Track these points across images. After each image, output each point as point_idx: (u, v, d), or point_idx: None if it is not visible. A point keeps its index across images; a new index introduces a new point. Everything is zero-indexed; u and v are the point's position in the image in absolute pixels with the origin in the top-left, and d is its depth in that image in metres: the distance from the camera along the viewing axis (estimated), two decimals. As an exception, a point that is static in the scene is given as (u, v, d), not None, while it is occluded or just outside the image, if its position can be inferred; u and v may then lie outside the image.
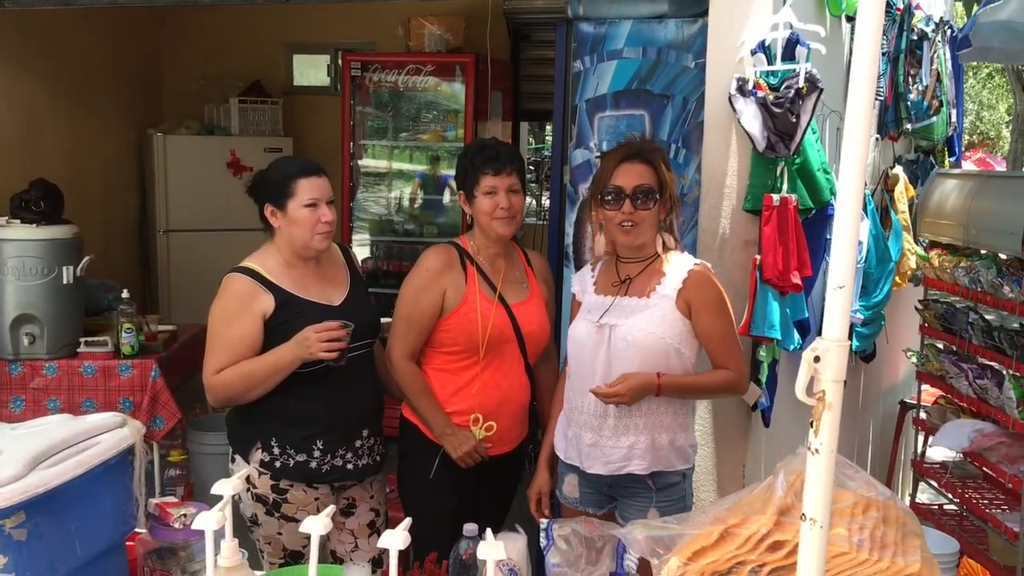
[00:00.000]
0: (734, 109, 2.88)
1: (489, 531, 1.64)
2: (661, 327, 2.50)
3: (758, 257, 2.89)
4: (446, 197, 5.92)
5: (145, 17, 5.88)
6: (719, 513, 1.50)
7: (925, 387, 4.43)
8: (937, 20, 4.41)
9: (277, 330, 2.60)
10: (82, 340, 4.05)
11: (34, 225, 3.91)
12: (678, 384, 2.50)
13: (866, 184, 3.86)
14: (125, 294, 4.07)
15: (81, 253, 4.04)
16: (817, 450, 1.21)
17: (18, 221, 3.92)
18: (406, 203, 5.97)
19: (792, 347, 3.02)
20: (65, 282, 3.96)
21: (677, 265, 2.58)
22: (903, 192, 4.09)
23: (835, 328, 1.17)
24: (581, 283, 2.73)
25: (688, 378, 2.54)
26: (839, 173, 1.17)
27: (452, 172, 5.86)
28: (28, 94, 4.65)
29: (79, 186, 4.81)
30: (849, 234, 1.15)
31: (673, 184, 2.61)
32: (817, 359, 1.18)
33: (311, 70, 6.69)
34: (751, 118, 2.84)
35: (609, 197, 2.53)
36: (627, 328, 2.51)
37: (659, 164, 2.56)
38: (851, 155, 1.16)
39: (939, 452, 4.45)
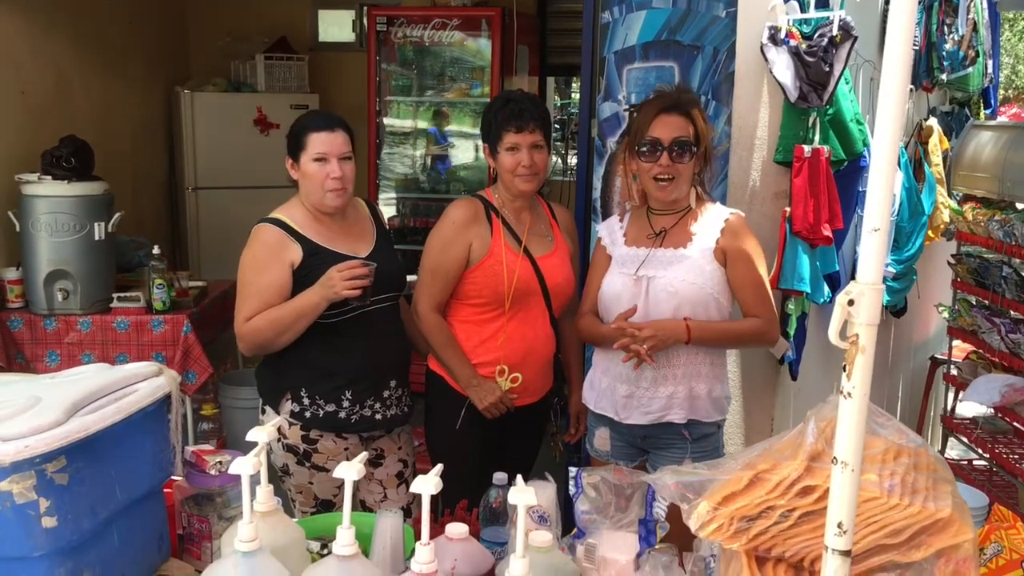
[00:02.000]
0: (766, 59, 2.84)
1: (519, 477, 1.66)
2: (701, 277, 2.51)
3: (788, 209, 2.87)
4: (462, 156, 5.89)
5: (171, -26, 5.88)
6: (750, 459, 1.50)
7: (956, 342, 4.40)
8: (975, -33, 4.31)
9: (304, 280, 2.61)
10: (115, 296, 4.11)
11: (65, 182, 3.95)
12: (708, 329, 2.50)
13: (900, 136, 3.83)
14: (156, 250, 4.11)
15: (112, 209, 4.08)
16: (850, 394, 1.21)
17: (49, 178, 3.96)
18: (429, 161, 5.95)
19: (822, 300, 3.00)
20: (97, 238, 4.00)
21: (713, 215, 2.57)
22: (937, 144, 4.03)
23: (870, 271, 1.16)
24: (610, 234, 2.72)
25: (718, 324, 2.53)
26: (874, 119, 1.15)
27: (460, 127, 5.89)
28: (56, 52, 4.66)
29: (108, 144, 4.83)
30: (886, 176, 1.13)
31: (709, 136, 2.59)
32: (851, 303, 1.17)
33: (336, 26, 6.65)
34: (783, 68, 2.81)
35: (645, 149, 2.52)
36: (668, 279, 2.51)
37: (697, 116, 2.54)
38: (889, 97, 1.14)
39: (969, 408, 4.43)
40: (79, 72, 4.87)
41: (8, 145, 4.20)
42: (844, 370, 1.21)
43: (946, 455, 4.63)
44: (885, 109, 1.14)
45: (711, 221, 2.56)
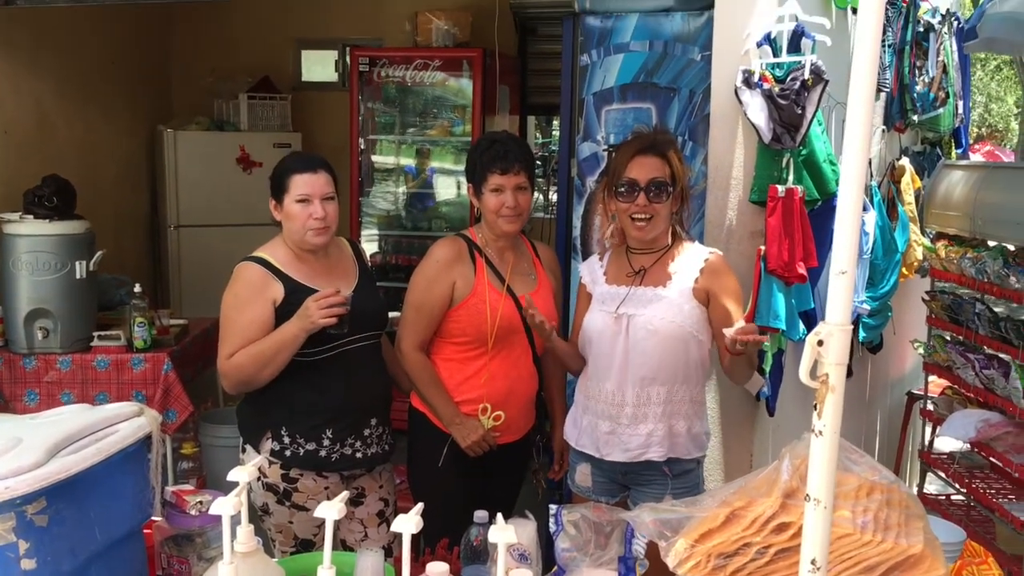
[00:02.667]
0: (740, 101, 2.90)
1: (500, 516, 1.67)
2: (680, 316, 2.54)
3: (762, 248, 2.92)
4: (444, 193, 5.94)
5: (155, 14, 5.93)
6: (726, 496, 1.53)
7: (932, 378, 4.45)
8: (944, 12, 4.42)
9: (286, 318, 2.63)
10: (95, 334, 4.10)
11: (47, 221, 3.95)
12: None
13: (872, 175, 3.90)
14: (137, 288, 4.11)
15: (93, 248, 4.08)
16: (821, 432, 1.23)
17: (31, 217, 3.96)
18: (408, 198, 5.99)
19: (797, 337, 3.04)
20: (78, 277, 4.00)
21: (692, 254, 2.62)
22: (909, 183, 4.10)
23: (838, 312, 1.20)
24: (591, 273, 2.76)
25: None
26: (842, 162, 1.19)
27: (441, 165, 5.94)
28: (39, 91, 4.69)
29: (91, 182, 4.85)
30: (852, 220, 1.18)
31: (685, 176, 2.63)
32: (820, 343, 1.20)
33: (319, 66, 6.72)
34: (757, 110, 2.87)
35: (623, 189, 2.56)
36: (647, 318, 2.55)
37: (673, 157, 2.58)
38: (854, 142, 1.18)
39: (947, 443, 4.46)
40: (62, 111, 4.90)
41: (-10, 184, 4.21)
42: (815, 409, 1.24)
43: (924, 490, 4.66)
44: (850, 156, 1.18)
45: (690, 260, 2.60)
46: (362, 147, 5.68)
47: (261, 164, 5.78)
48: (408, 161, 5.98)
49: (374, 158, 5.86)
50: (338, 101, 5.98)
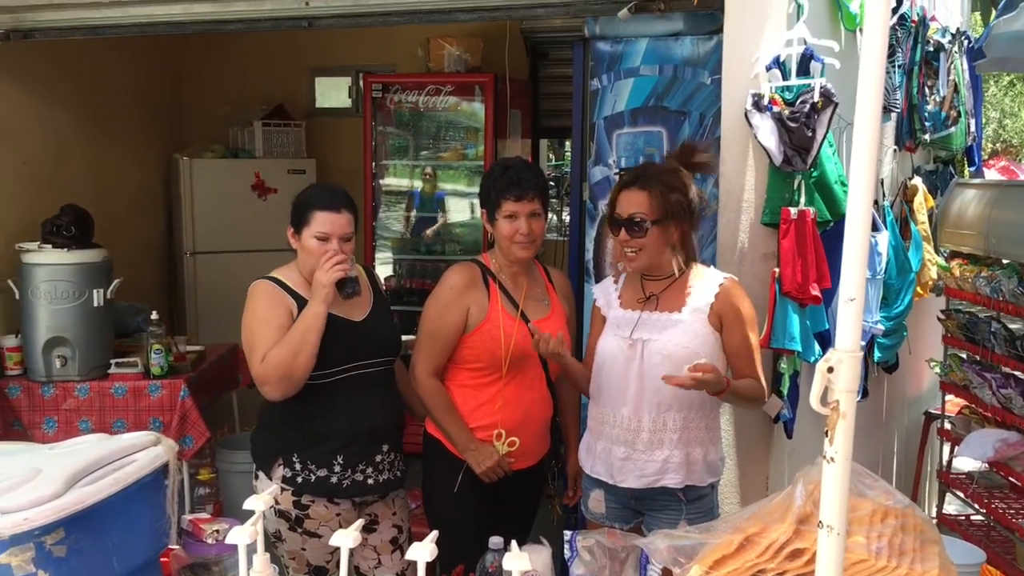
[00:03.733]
0: (750, 124, 2.91)
1: (515, 542, 1.68)
2: (695, 341, 2.53)
3: (777, 270, 2.92)
4: (457, 216, 5.97)
5: (170, 44, 6.00)
6: (740, 522, 1.53)
7: (949, 397, 4.43)
8: (954, 31, 4.43)
9: None
10: (112, 362, 4.13)
11: (65, 250, 4.01)
12: (737, 388, 2.53)
13: (885, 195, 3.90)
14: (154, 316, 4.15)
15: (111, 276, 4.13)
16: (832, 459, 1.24)
17: (49, 246, 4.01)
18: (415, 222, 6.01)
19: (813, 359, 3.03)
20: (95, 305, 4.05)
21: (706, 279, 2.61)
22: (922, 203, 4.10)
23: (847, 339, 1.20)
24: (605, 296, 2.76)
25: (739, 384, 2.56)
26: (849, 189, 1.20)
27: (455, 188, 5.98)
28: (57, 120, 4.76)
29: (107, 210, 4.90)
30: (859, 247, 1.18)
31: (684, 204, 2.56)
32: (830, 369, 1.21)
33: (333, 92, 6.78)
34: (767, 133, 2.88)
35: (612, 224, 2.60)
36: (662, 343, 2.53)
37: (658, 189, 2.53)
38: (860, 168, 1.19)
39: (966, 462, 4.43)
40: (79, 141, 4.96)
41: (9, 214, 4.27)
42: (826, 435, 1.24)
43: (944, 511, 4.63)
44: (857, 177, 1.19)
45: (705, 285, 2.59)
46: (375, 171, 5.72)
47: (276, 190, 5.83)
48: (421, 185, 6.01)
49: (387, 182, 5.90)
50: (352, 127, 6.02)
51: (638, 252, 2.56)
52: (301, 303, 2.68)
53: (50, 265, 3.98)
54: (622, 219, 2.55)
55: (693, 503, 2.58)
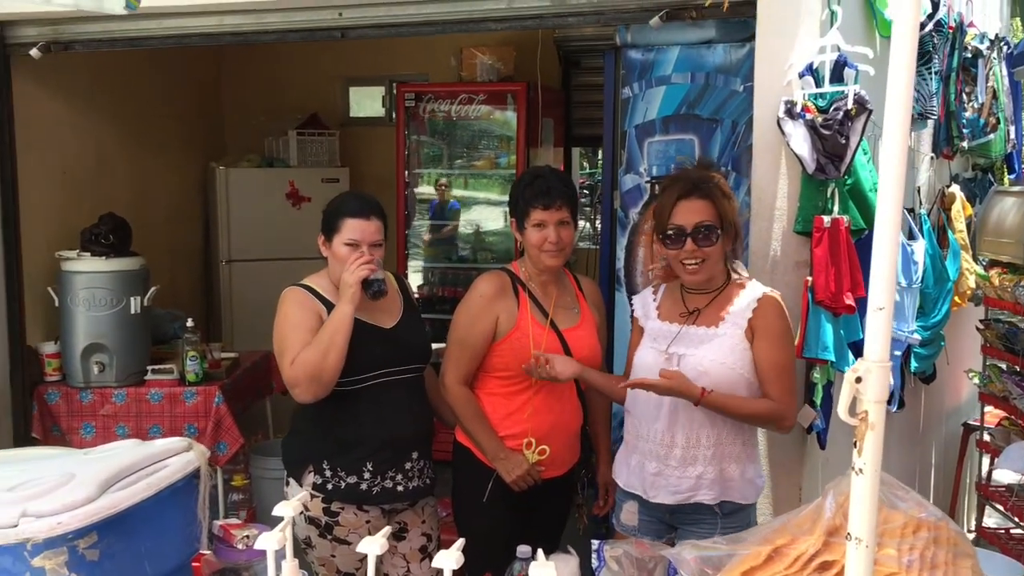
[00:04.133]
0: (783, 132, 2.88)
1: (540, 552, 1.68)
2: (731, 357, 2.48)
3: (809, 279, 2.89)
4: (489, 225, 5.98)
5: (207, 54, 6.08)
6: (768, 533, 1.52)
7: (988, 408, 4.35)
8: (992, 37, 4.37)
9: None
10: (149, 368, 4.19)
11: (103, 258, 4.07)
12: (719, 402, 2.45)
13: (922, 203, 3.84)
14: (190, 323, 4.20)
15: (148, 284, 4.19)
16: (861, 470, 1.22)
17: (88, 254, 4.08)
18: (464, 230, 6.03)
19: (847, 369, 2.99)
20: (133, 312, 4.11)
21: (747, 293, 2.55)
22: (960, 211, 4.04)
23: (876, 349, 1.19)
24: (643, 307, 2.72)
25: (730, 399, 2.48)
26: (878, 198, 1.19)
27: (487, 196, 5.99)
28: (96, 131, 4.84)
29: (146, 218, 4.97)
30: (888, 256, 1.17)
31: (735, 212, 2.56)
32: (859, 380, 1.19)
33: (367, 101, 6.83)
34: (800, 140, 2.85)
35: (671, 236, 2.51)
36: (698, 358, 2.49)
37: (718, 196, 2.52)
38: (888, 176, 1.18)
39: (1005, 475, 4.35)
40: (118, 151, 5.04)
41: (49, 223, 4.34)
42: (855, 446, 1.23)
43: (983, 524, 4.55)
44: (885, 187, 1.18)
45: (744, 299, 2.53)
46: (408, 180, 5.75)
47: (310, 199, 5.88)
48: (453, 194, 6.04)
49: (420, 190, 5.94)
50: (385, 136, 6.07)
51: (702, 263, 2.50)
52: (331, 309, 2.70)
53: (89, 273, 4.05)
54: (687, 230, 2.48)
55: (729, 517, 2.53)
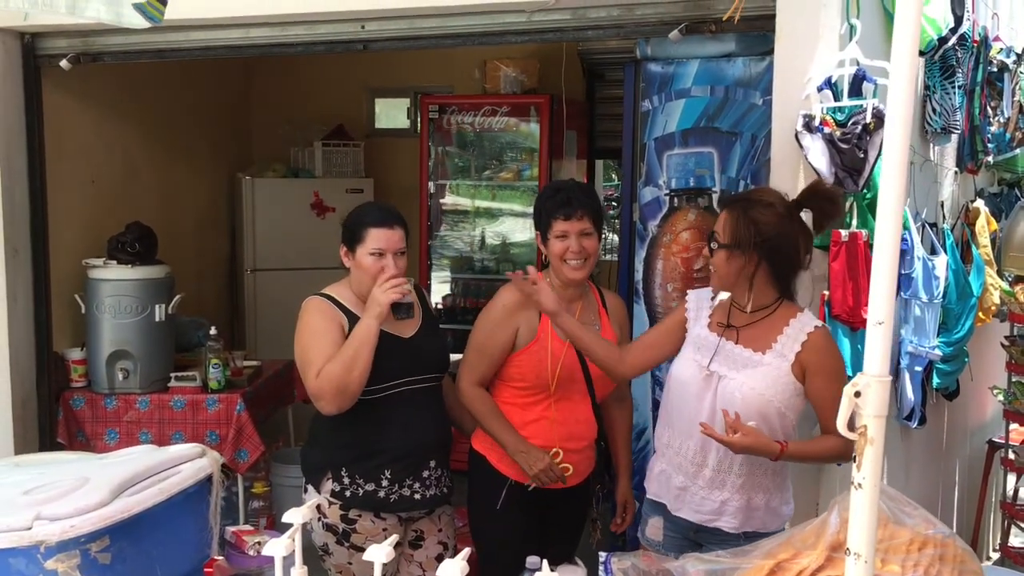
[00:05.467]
0: (801, 146, 2.87)
1: (545, 563, 1.68)
2: (772, 389, 2.42)
3: (827, 293, 2.88)
4: (513, 236, 5.99)
5: (234, 65, 6.16)
6: (772, 548, 1.51)
7: (1014, 426, 4.30)
8: (1019, 51, 4.33)
9: None
10: (172, 375, 4.24)
11: (129, 266, 4.13)
12: (798, 452, 2.41)
13: (945, 218, 3.81)
14: (213, 331, 4.24)
15: (172, 292, 4.24)
16: (860, 485, 1.22)
17: (114, 262, 4.14)
18: (488, 241, 6.04)
19: (865, 384, 2.97)
20: (157, 320, 4.16)
21: (798, 325, 2.47)
22: (984, 226, 4.00)
23: (875, 364, 1.19)
24: (697, 307, 2.64)
25: (806, 446, 2.45)
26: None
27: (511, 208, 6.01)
28: (124, 140, 4.91)
29: (172, 227, 5.04)
30: (887, 270, 1.17)
31: (765, 241, 2.41)
32: (858, 394, 1.19)
33: (392, 112, 6.88)
34: (818, 154, 2.83)
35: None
36: (738, 383, 2.43)
37: (738, 214, 2.44)
38: (888, 190, 1.18)
39: (1031, 494, 4.29)
40: (146, 160, 5.12)
41: (77, 231, 4.41)
42: (854, 461, 1.23)
43: (1009, 543, 4.48)
44: (886, 202, 1.18)
45: (795, 331, 2.46)
46: (432, 191, 5.78)
47: (334, 209, 5.93)
48: (477, 205, 6.06)
49: (444, 201, 5.96)
50: (409, 147, 6.10)
51: (710, 271, 2.52)
52: (352, 320, 2.72)
53: (114, 281, 4.11)
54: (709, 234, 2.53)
55: (752, 537, 2.46)
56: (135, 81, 4.88)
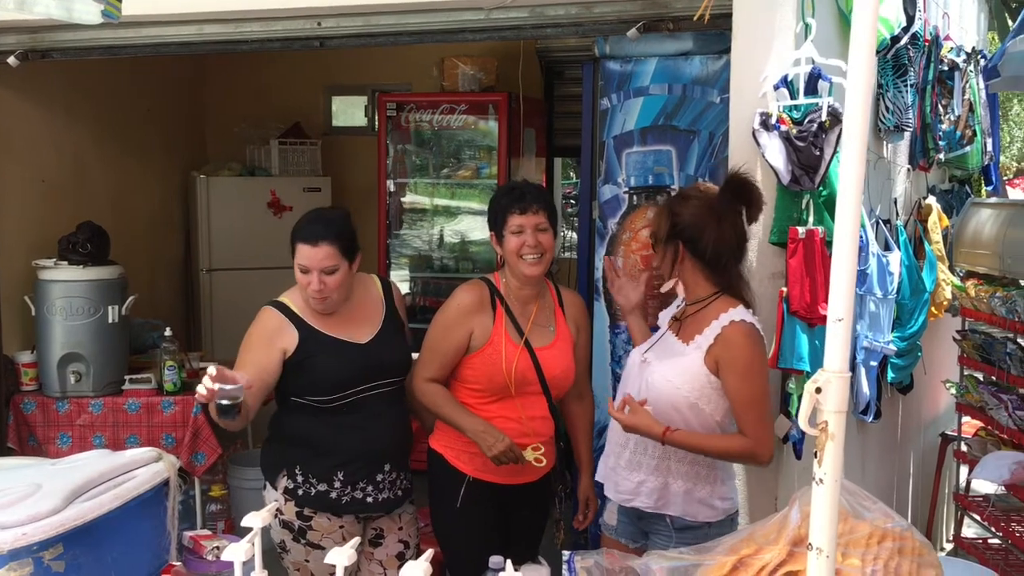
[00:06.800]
0: (758, 143, 2.90)
1: (509, 563, 1.67)
2: (682, 378, 2.49)
3: (784, 289, 2.90)
4: (472, 235, 5.98)
5: (188, 62, 6.06)
6: (734, 543, 1.52)
7: (966, 419, 4.38)
8: (969, 50, 4.41)
9: (300, 365, 2.69)
10: (127, 378, 4.17)
11: (81, 266, 4.05)
12: (684, 442, 2.45)
13: (899, 214, 3.87)
14: (168, 332, 4.18)
15: (126, 293, 4.17)
16: (821, 480, 1.23)
17: (65, 263, 4.06)
18: (447, 239, 6.02)
19: (822, 379, 3.01)
20: (110, 321, 4.09)
21: (724, 319, 2.51)
22: (936, 222, 4.07)
23: (835, 360, 1.20)
24: (669, 310, 2.78)
25: (696, 437, 2.47)
26: (836, 211, 1.19)
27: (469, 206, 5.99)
28: (75, 139, 4.82)
29: (125, 227, 4.96)
30: (846, 268, 1.18)
31: (681, 231, 2.53)
32: (819, 390, 1.20)
33: (349, 111, 6.83)
34: (775, 152, 2.86)
35: None
36: (657, 372, 2.55)
37: (662, 209, 2.62)
38: (847, 189, 1.19)
39: (983, 485, 4.38)
40: (97, 159, 5.02)
41: (26, 231, 4.32)
42: (815, 456, 1.23)
43: (962, 534, 4.57)
44: (844, 201, 1.19)
45: (718, 324, 2.51)
46: (391, 189, 5.75)
47: (291, 208, 5.87)
48: (435, 203, 6.03)
49: (402, 200, 5.93)
50: (367, 145, 6.06)
51: (655, 267, 2.61)
52: (301, 328, 2.70)
53: (66, 282, 4.03)
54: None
55: (681, 532, 2.51)
56: (86, 78, 4.78)
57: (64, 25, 3.68)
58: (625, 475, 2.58)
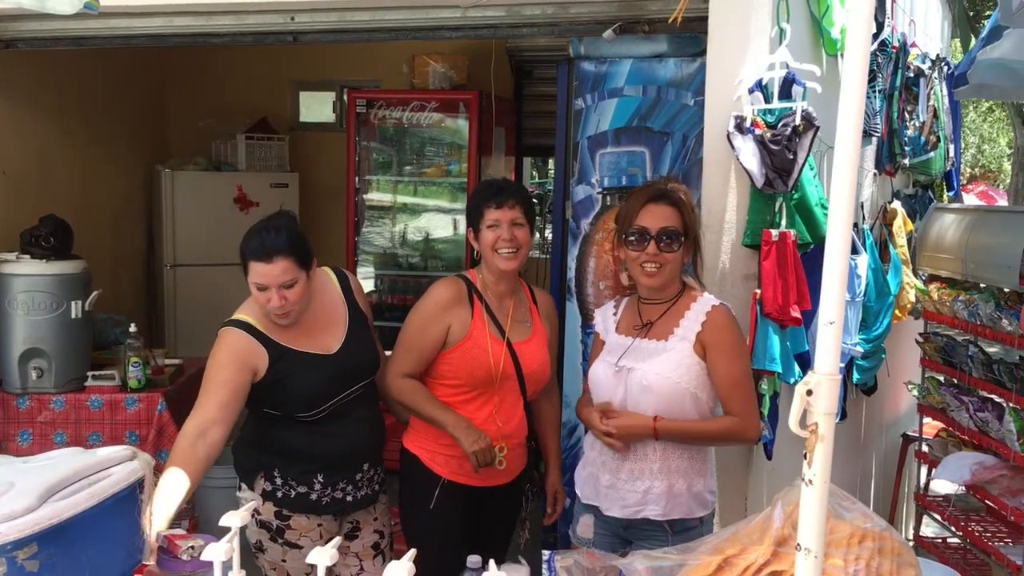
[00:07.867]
0: (732, 146, 2.93)
1: (492, 562, 1.67)
2: (677, 371, 2.49)
3: (758, 291, 2.93)
4: (439, 232, 5.97)
5: (154, 55, 5.98)
6: (718, 543, 1.53)
7: (927, 420, 4.45)
8: (933, 58, 4.49)
9: (274, 385, 2.62)
10: (89, 374, 4.09)
11: (43, 260, 3.96)
12: (676, 429, 2.48)
13: (865, 218, 3.93)
14: (132, 328, 4.11)
15: (89, 288, 4.09)
16: (811, 481, 1.24)
17: (28, 256, 3.97)
18: (415, 237, 6.00)
19: (792, 380, 3.04)
20: (73, 316, 4.00)
21: (698, 306, 2.57)
22: (901, 226, 4.14)
23: (827, 362, 1.21)
24: (604, 322, 2.74)
25: (687, 424, 2.51)
26: (829, 214, 1.21)
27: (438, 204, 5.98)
28: (39, 131, 4.73)
29: (88, 222, 4.87)
30: (838, 272, 1.19)
31: (697, 226, 2.63)
32: (809, 392, 1.21)
33: (317, 106, 6.78)
34: (749, 155, 2.89)
35: (633, 237, 2.54)
36: (643, 372, 2.51)
37: (685, 207, 2.58)
38: (840, 193, 1.20)
39: (943, 485, 4.46)
40: (61, 151, 4.93)
41: (-13, 224, 4.23)
42: (805, 458, 1.25)
43: (921, 533, 4.65)
44: (836, 205, 1.20)
45: (695, 314, 2.55)
46: (359, 186, 5.71)
47: (258, 204, 5.82)
48: (404, 201, 6.01)
49: (371, 197, 5.90)
50: (335, 141, 6.02)
51: (661, 267, 2.53)
52: (271, 349, 2.61)
53: (28, 276, 3.93)
54: (651, 233, 2.51)
55: (679, 535, 2.52)
56: (50, 70, 4.70)
57: (29, 15, 3.61)
58: (629, 487, 2.53)
